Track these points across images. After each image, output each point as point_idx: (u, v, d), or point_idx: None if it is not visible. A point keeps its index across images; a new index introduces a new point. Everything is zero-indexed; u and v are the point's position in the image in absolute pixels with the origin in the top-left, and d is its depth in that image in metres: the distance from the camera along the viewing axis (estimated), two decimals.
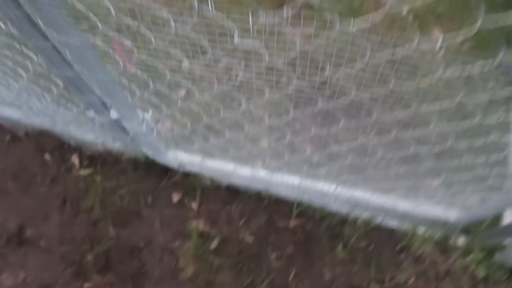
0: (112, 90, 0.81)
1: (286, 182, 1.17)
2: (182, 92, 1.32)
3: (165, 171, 1.30)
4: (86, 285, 1.23)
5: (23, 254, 1.27)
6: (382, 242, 1.21)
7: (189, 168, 1.23)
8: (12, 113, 1.34)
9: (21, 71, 1.00)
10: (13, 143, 1.39)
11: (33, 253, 1.27)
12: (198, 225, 1.25)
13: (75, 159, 1.35)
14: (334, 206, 1.20)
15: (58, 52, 0.67)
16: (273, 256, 1.23)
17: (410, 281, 1.17)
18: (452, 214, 1.09)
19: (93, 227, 1.27)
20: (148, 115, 0.96)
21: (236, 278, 1.22)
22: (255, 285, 1.21)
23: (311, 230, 1.24)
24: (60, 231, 1.28)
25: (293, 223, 1.25)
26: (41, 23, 0.57)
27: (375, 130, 1.20)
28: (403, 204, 1.08)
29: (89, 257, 1.23)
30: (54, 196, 1.32)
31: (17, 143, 1.39)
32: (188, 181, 1.29)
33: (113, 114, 0.94)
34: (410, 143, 0.83)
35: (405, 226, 1.18)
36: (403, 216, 1.12)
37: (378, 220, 1.17)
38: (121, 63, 0.74)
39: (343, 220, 1.23)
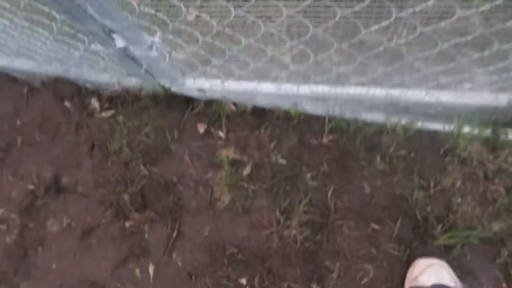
0: (110, 9, 0.75)
1: (315, 93, 1.09)
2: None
3: (187, 102, 1.27)
4: (128, 223, 1.26)
5: (63, 201, 1.31)
6: (423, 147, 1.15)
7: (209, 94, 1.19)
8: (24, 64, 1.32)
9: (14, 9, 0.95)
10: (31, 95, 1.39)
11: (72, 199, 1.31)
12: (228, 153, 1.23)
13: (95, 103, 1.33)
14: (369, 116, 1.13)
15: None
16: (308, 175, 1.21)
17: (457, 185, 1.12)
18: (503, 99, 0.99)
19: (124, 168, 1.28)
20: (156, 38, 0.90)
21: (274, 202, 1.21)
22: (293, 206, 1.20)
23: (346, 144, 1.19)
24: (93, 176, 1.30)
25: (326, 139, 1.20)
26: None
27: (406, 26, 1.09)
28: (447, 97, 0.99)
29: (126, 197, 1.25)
30: (81, 142, 1.32)
31: (35, 94, 1.39)
32: (212, 110, 1.25)
33: (119, 42, 0.89)
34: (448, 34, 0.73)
35: (449, 126, 1.11)
36: (447, 112, 1.04)
37: (419, 124, 1.10)
38: None
39: (380, 130, 1.17)
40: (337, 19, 0.75)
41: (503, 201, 1.09)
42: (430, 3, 0.65)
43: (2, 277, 1.29)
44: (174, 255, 1.23)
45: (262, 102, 1.18)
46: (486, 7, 0.66)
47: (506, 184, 1.09)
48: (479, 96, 0.99)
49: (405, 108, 1.07)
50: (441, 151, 1.14)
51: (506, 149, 1.09)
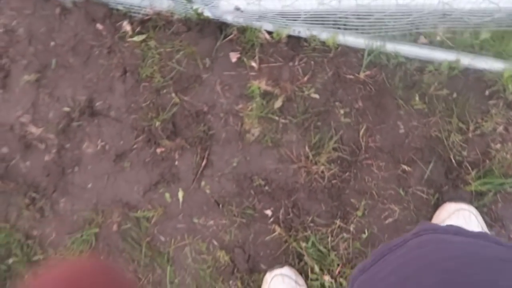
0: None
1: (360, 5, 1.04)
2: None
3: (220, 29, 1.26)
4: (159, 150, 1.34)
5: (97, 125, 1.39)
6: (467, 88, 1.12)
7: (245, 17, 1.17)
8: None
9: None
10: (64, 16, 1.42)
11: (106, 123, 1.38)
12: (260, 85, 1.24)
13: (126, 26, 1.35)
14: (413, 50, 1.09)
15: None
16: (341, 112, 1.21)
17: (498, 130, 1.10)
18: None
19: (156, 94, 1.33)
20: None
21: (303, 137, 1.24)
22: (323, 142, 1.22)
23: (384, 80, 1.18)
24: (126, 101, 1.36)
25: (363, 74, 1.19)
26: None
27: None
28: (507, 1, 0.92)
29: (157, 124, 1.31)
30: (113, 67, 1.37)
31: (68, 15, 1.42)
32: (245, 38, 1.25)
33: None
34: None
35: (498, 65, 1.06)
36: (500, 22, 0.97)
37: (465, 61, 1.06)
38: None
39: (422, 67, 1.14)
40: None
41: None
42: None
43: (43, 193, 1.43)
44: (202, 183, 1.31)
45: (302, 20, 1.13)
46: None
47: None
48: None
49: (458, 18, 1.00)
50: (486, 93, 1.11)
51: None
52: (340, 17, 1.09)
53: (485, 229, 1.06)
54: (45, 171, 1.43)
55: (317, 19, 1.12)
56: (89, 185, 1.39)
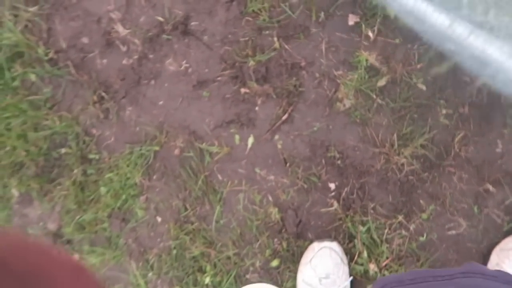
0: None
1: (482, 51, 1.07)
2: None
3: None
4: (243, 90, 1.40)
5: (186, 45, 1.45)
6: None
7: None
8: None
9: None
10: None
11: (196, 46, 1.44)
12: (369, 57, 1.28)
13: None
14: None
15: None
16: (443, 111, 1.25)
17: None
18: None
19: (257, 33, 1.37)
20: None
21: (395, 124, 1.29)
22: (414, 136, 1.28)
23: (500, 94, 1.20)
24: (224, 30, 1.41)
25: (480, 80, 1.21)
26: None
27: None
28: None
29: (250, 63, 1.37)
30: None
31: None
32: (371, 4, 1.27)
33: None
34: None
35: None
36: None
37: None
38: None
39: None
40: None
41: None
42: None
43: (112, 95, 1.53)
44: (276, 136, 1.39)
45: (420, 28, 1.16)
46: None
47: None
48: None
49: None
50: None
51: None
52: (454, 49, 1.10)
53: None
54: (121, 74, 1.51)
55: (436, 36, 1.14)
56: (161, 102, 1.48)
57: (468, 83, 1.24)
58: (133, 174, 1.49)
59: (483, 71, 1.14)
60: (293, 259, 1.36)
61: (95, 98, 1.53)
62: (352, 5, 1.31)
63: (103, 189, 1.51)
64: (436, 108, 1.26)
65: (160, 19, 1.47)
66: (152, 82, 1.49)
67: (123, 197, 1.49)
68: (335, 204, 1.34)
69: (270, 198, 1.39)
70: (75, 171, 1.54)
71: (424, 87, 1.27)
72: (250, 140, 1.41)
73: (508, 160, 1.21)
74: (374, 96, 1.29)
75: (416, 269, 1.26)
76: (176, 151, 1.46)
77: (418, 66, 1.27)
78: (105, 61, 1.54)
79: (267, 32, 1.38)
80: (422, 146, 1.27)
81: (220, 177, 1.43)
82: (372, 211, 1.31)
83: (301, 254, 1.34)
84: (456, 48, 1.15)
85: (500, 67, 1.04)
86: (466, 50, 1.12)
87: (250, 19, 1.40)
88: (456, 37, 1.09)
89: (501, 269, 1.12)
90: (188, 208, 1.44)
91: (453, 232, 1.26)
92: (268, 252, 1.37)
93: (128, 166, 1.49)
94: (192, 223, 1.43)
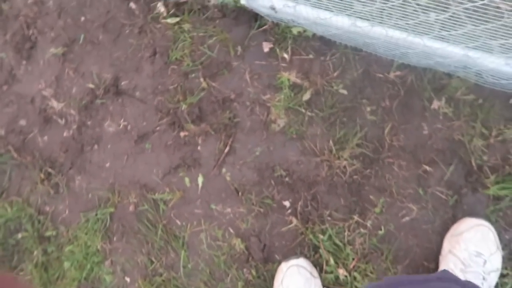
0: None
1: (390, 37, 1.25)
2: None
3: (255, 18, 1.47)
4: (182, 133, 1.53)
5: (121, 104, 1.59)
6: (493, 95, 1.32)
7: (280, 15, 1.38)
8: None
9: None
10: None
11: (130, 103, 1.58)
12: (290, 76, 1.45)
13: (160, 7, 1.55)
14: (441, 66, 1.29)
15: None
16: (368, 109, 1.41)
17: None
18: None
19: (184, 78, 1.53)
20: None
21: (329, 131, 1.44)
22: (348, 138, 1.42)
23: (413, 82, 1.38)
24: (153, 82, 1.56)
25: (392, 74, 1.39)
26: None
27: None
28: None
29: (183, 107, 1.51)
30: (143, 47, 1.57)
31: None
32: (279, 30, 1.45)
33: None
34: None
35: None
36: None
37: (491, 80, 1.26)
38: None
39: (451, 73, 1.34)
40: None
41: None
42: None
43: (59, 169, 1.63)
44: (223, 169, 1.50)
45: (331, 34, 1.35)
46: None
47: None
48: None
49: (477, 73, 1.22)
50: (511, 101, 1.31)
51: None
52: (368, 42, 1.29)
53: (499, 247, 1.25)
54: (63, 147, 1.62)
55: (348, 36, 1.33)
56: (107, 164, 1.59)
57: (383, 78, 1.41)
58: (93, 241, 1.56)
59: (394, 53, 1.31)
60: (266, 284, 1.43)
61: (42, 176, 1.62)
62: (263, 34, 1.49)
63: (66, 264, 1.57)
64: (361, 107, 1.42)
65: (91, 86, 1.61)
66: (95, 147, 1.61)
67: (88, 266, 1.55)
68: (294, 220, 1.45)
69: (231, 230, 1.49)
70: (35, 252, 1.60)
71: (345, 92, 1.43)
72: (200, 179, 1.52)
73: (436, 139, 1.37)
74: (303, 110, 1.45)
75: (392, 276, 1.35)
76: (131, 208, 1.55)
77: (335, 74, 1.44)
78: (45, 137, 1.65)
79: (193, 75, 1.54)
80: (357, 145, 1.41)
81: (178, 222, 1.52)
82: (329, 218, 1.42)
83: (272, 278, 1.43)
84: (365, 41, 1.32)
85: (407, 44, 1.21)
86: (375, 40, 1.29)
87: (175, 67, 1.55)
88: (361, 31, 1.27)
89: (454, 255, 1.23)
90: (153, 260, 1.51)
91: (407, 218, 1.38)
92: (240, 284, 1.44)
93: (86, 234, 1.57)
94: (161, 275, 1.50)
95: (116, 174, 1.58)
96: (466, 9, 0.99)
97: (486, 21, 1.03)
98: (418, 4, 1.05)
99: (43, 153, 1.63)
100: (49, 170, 1.61)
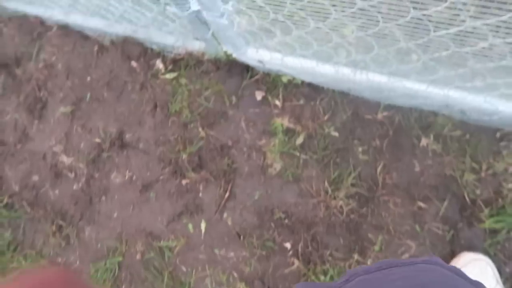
0: None
1: (372, 82, 1.34)
2: None
3: (246, 69, 1.57)
4: (184, 181, 1.61)
5: (126, 156, 1.68)
6: (479, 130, 1.37)
7: (269, 66, 1.47)
8: (97, 23, 1.67)
9: None
10: (101, 53, 1.76)
11: (134, 155, 1.68)
12: (283, 122, 1.52)
13: (159, 64, 1.67)
14: (425, 105, 1.36)
15: None
16: (359, 149, 1.47)
17: (510, 170, 1.34)
18: None
19: (184, 128, 1.62)
20: (229, 6, 1.19)
21: (323, 172, 1.50)
22: (342, 178, 1.48)
23: (400, 121, 1.44)
24: (155, 134, 1.66)
25: (380, 115, 1.46)
26: None
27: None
28: (505, 106, 1.19)
29: (184, 156, 1.60)
30: (145, 101, 1.68)
31: (104, 53, 1.75)
32: (270, 79, 1.55)
33: (194, 6, 1.20)
34: None
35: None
36: (501, 122, 1.25)
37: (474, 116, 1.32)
38: None
39: (436, 111, 1.40)
40: (408, 18, 0.98)
41: None
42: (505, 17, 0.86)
43: (70, 221, 1.71)
44: (225, 214, 1.57)
45: (318, 80, 1.44)
46: None
47: None
48: None
49: (461, 111, 1.29)
50: (497, 135, 1.35)
51: None
52: (353, 87, 1.38)
53: (499, 281, 1.27)
54: (73, 199, 1.72)
55: (334, 82, 1.42)
56: (115, 215, 1.67)
57: (371, 119, 1.47)
58: None
59: (380, 95, 1.38)
60: None
61: (53, 228, 1.71)
62: (256, 84, 1.58)
63: None
64: (352, 148, 1.48)
65: (98, 140, 1.72)
66: (103, 198, 1.70)
67: None
68: (296, 262, 1.49)
69: (235, 274, 1.53)
70: None
71: (337, 134, 1.50)
72: (203, 225, 1.58)
73: (428, 176, 1.41)
74: (298, 154, 1.51)
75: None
76: (138, 256, 1.62)
77: (326, 117, 1.51)
78: (57, 191, 1.75)
79: (192, 125, 1.63)
80: (352, 185, 1.46)
81: (184, 269, 1.58)
82: (329, 258, 1.46)
83: None
84: (349, 86, 1.40)
85: (389, 87, 1.29)
86: (359, 85, 1.37)
87: (175, 118, 1.65)
88: (345, 77, 1.35)
89: None
90: None
91: (406, 255, 1.41)
92: None
93: (96, 284, 1.63)
94: None
95: (123, 224, 1.66)
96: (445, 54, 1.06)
97: (460, 65, 1.11)
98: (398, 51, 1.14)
99: (54, 206, 1.73)
100: (60, 222, 1.70)
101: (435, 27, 1.00)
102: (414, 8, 0.95)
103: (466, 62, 1.03)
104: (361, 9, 1.00)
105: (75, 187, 1.72)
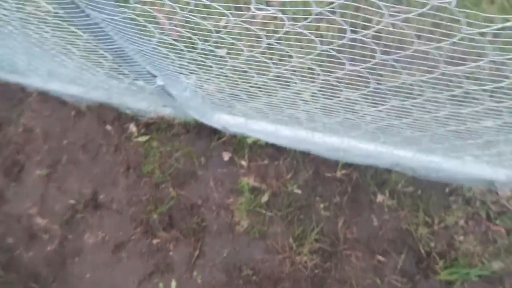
0: (154, 59, 1.18)
1: (328, 143, 1.47)
2: (222, 52, 1.67)
3: (214, 132, 1.69)
4: (155, 241, 1.69)
5: (99, 217, 1.76)
6: (430, 185, 1.48)
7: (233, 130, 1.60)
8: (74, 90, 1.80)
9: (72, 49, 1.40)
10: (78, 117, 1.88)
11: (107, 215, 1.76)
12: (249, 181, 1.63)
13: (133, 128, 1.79)
14: (378, 163, 1.49)
15: (101, 28, 1.03)
16: (321, 206, 1.58)
17: (460, 223, 1.44)
18: (501, 173, 1.31)
19: (155, 188, 1.72)
20: (191, 80, 1.33)
21: (288, 229, 1.59)
22: (306, 234, 1.57)
23: (358, 178, 1.55)
24: (127, 194, 1.75)
25: (339, 173, 1.57)
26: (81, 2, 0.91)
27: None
28: (449, 164, 1.32)
29: (155, 216, 1.68)
30: (118, 163, 1.78)
31: (81, 117, 1.87)
32: (236, 140, 1.67)
33: (159, 81, 1.33)
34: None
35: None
36: (447, 178, 1.38)
37: (423, 172, 1.44)
38: (163, 29, 1.09)
39: (389, 168, 1.52)
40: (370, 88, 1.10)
41: (503, 242, 1.40)
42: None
43: (43, 283, 1.76)
44: (195, 273, 1.63)
45: (280, 142, 1.57)
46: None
47: (507, 225, 1.40)
48: (480, 169, 1.31)
49: (411, 168, 1.42)
50: (447, 190, 1.47)
51: (508, 192, 1.41)
52: (312, 148, 1.52)
53: None
54: (46, 261, 1.77)
55: (295, 143, 1.56)
56: (87, 275, 1.72)
57: (331, 177, 1.59)
58: None
59: (337, 155, 1.50)
60: None
61: None
62: (223, 145, 1.70)
63: None
64: (315, 205, 1.58)
65: (72, 201, 1.80)
66: (76, 259, 1.75)
67: None
68: None
69: None
70: None
71: (299, 191, 1.60)
72: (173, 284, 1.64)
73: (386, 230, 1.51)
74: (264, 211, 1.61)
75: None
76: None
77: (289, 176, 1.62)
78: (30, 253, 1.80)
79: (163, 185, 1.73)
80: (315, 240, 1.55)
81: None
82: None
83: None
84: (308, 147, 1.53)
85: (344, 147, 1.41)
86: (317, 146, 1.50)
87: (147, 179, 1.75)
88: (304, 139, 1.48)
89: None
90: None
91: None
92: None
93: None
94: None
95: (95, 285, 1.70)
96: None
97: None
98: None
99: (27, 268, 1.78)
100: (33, 285, 1.74)
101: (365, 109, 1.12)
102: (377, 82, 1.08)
103: (404, 131, 1.16)
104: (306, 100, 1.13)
105: (49, 248, 1.78)
